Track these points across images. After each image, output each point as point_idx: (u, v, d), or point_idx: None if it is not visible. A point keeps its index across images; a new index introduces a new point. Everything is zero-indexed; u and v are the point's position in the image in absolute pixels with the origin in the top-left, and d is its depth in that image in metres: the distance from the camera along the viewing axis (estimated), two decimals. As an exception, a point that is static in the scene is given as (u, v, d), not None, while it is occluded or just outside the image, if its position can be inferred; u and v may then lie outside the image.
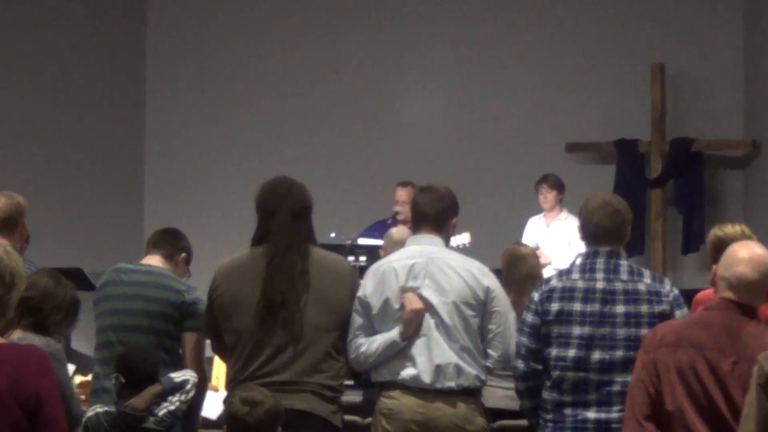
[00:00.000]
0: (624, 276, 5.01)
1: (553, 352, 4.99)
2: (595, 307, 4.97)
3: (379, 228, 9.92)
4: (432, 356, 5.08)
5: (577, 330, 4.97)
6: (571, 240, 10.02)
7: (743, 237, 5.57)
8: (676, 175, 11.20)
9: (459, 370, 5.09)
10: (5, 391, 3.63)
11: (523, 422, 6.40)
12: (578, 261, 5.13)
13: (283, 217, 5.07)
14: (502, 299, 5.21)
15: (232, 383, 5.07)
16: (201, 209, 12.34)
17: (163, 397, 5.15)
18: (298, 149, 12.32)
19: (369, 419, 6.50)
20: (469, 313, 5.13)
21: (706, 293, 5.65)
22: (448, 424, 5.08)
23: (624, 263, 5.05)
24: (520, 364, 5.10)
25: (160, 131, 12.76)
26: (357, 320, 5.17)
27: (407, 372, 5.11)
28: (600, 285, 5.00)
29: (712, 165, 11.27)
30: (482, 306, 5.14)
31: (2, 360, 3.68)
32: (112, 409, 5.13)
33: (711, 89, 11.42)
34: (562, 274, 5.13)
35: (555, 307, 5.01)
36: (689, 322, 4.52)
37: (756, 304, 4.43)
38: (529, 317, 5.09)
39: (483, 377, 5.17)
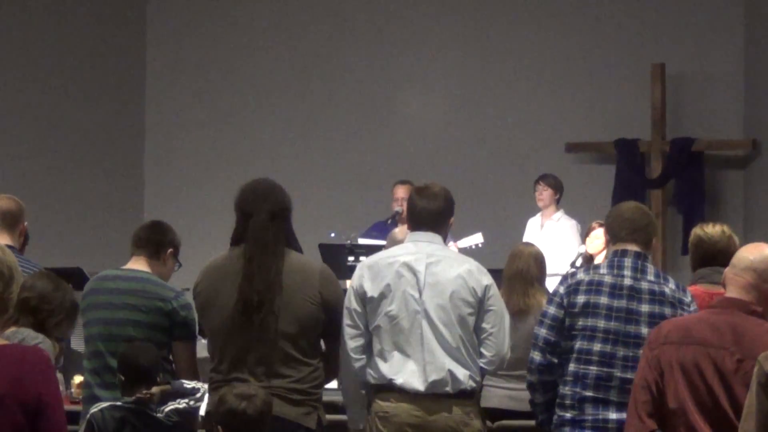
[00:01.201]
0: (651, 277, 5.03)
1: (577, 344, 4.99)
2: (622, 302, 4.99)
3: (379, 228, 9.93)
4: (425, 364, 5.06)
5: (602, 323, 4.97)
6: (567, 240, 10.01)
7: (723, 237, 5.62)
8: (676, 175, 11.19)
9: (453, 377, 5.07)
10: (7, 394, 3.63)
11: (523, 422, 6.41)
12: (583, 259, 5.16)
13: (261, 217, 5.07)
14: (498, 299, 5.21)
15: (209, 382, 5.13)
16: (201, 209, 12.33)
17: (172, 398, 5.18)
18: (299, 149, 12.32)
19: (369, 419, 6.50)
20: (466, 310, 5.12)
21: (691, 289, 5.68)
22: (444, 427, 5.07)
23: (651, 266, 5.08)
24: (537, 356, 5.08)
25: (160, 131, 12.76)
26: (350, 316, 5.16)
27: (402, 378, 5.09)
28: (627, 282, 5.01)
29: (712, 165, 11.27)
30: (479, 304, 5.13)
31: (4, 362, 3.68)
32: (117, 403, 5.15)
33: (711, 89, 11.42)
34: (589, 269, 5.15)
35: (581, 299, 5.02)
36: (694, 320, 4.53)
37: (762, 303, 4.44)
38: (552, 309, 5.08)
39: (478, 378, 5.15)
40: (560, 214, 10.26)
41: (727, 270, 4.51)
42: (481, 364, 5.15)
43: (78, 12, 12.10)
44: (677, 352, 4.41)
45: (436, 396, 5.07)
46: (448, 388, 5.07)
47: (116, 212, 12.13)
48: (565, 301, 5.05)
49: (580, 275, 5.10)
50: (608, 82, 11.61)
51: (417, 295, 5.13)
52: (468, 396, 5.14)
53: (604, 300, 4.99)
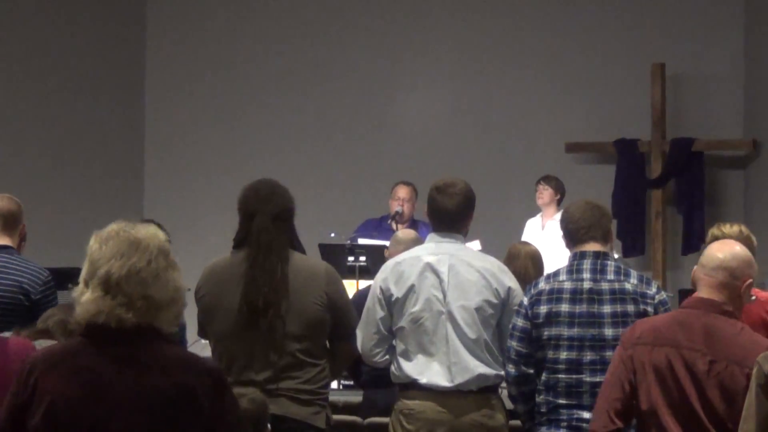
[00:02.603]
0: (610, 276, 4.99)
1: (546, 354, 4.99)
2: (583, 307, 4.97)
3: (372, 227, 9.91)
4: (450, 365, 5.09)
5: (566, 331, 4.96)
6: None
7: (741, 237, 5.59)
8: (676, 174, 11.19)
9: (479, 377, 5.11)
10: (-2, 387, 3.62)
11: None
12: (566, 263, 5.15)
13: (263, 219, 5.04)
14: (521, 299, 5.22)
15: None
16: (201, 210, 12.33)
17: None
18: (299, 150, 12.31)
19: (369, 419, 6.52)
20: (489, 311, 5.15)
21: None
22: (470, 422, 5.10)
23: (611, 263, 5.04)
24: (511, 369, 5.09)
25: (160, 131, 12.75)
26: (373, 320, 5.17)
27: (426, 378, 5.12)
28: (587, 285, 4.99)
29: (712, 165, 11.26)
30: (503, 305, 5.17)
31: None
32: None
33: (711, 89, 11.41)
34: (550, 276, 5.13)
35: (543, 309, 5.01)
36: (667, 321, 4.48)
37: (734, 303, 4.41)
38: (520, 321, 5.08)
39: (502, 373, 5.19)
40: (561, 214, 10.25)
41: (696, 269, 4.46)
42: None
43: (78, 10, 12.09)
44: (650, 353, 4.37)
45: (460, 393, 5.11)
46: (473, 387, 5.11)
47: (116, 212, 11.99)
48: (529, 312, 5.05)
49: (542, 285, 5.09)
50: (608, 82, 11.60)
51: (441, 296, 5.15)
52: (492, 390, 5.19)
53: (565, 308, 4.98)
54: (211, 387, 3.20)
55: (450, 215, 5.27)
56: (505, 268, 5.29)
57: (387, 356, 5.21)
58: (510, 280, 5.22)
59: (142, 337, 3.21)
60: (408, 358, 5.14)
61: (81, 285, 3.25)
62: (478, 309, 5.12)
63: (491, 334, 5.14)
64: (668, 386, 4.32)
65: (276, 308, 4.96)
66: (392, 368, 5.20)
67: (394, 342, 5.21)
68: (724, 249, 4.45)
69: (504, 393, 5.95)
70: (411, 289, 5.14)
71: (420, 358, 5.12)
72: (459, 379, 5.08)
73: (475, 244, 9.31)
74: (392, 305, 5.16)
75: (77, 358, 3.20)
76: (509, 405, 5.50)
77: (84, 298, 3.23)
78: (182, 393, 3.16)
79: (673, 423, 4.29)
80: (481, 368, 5.10)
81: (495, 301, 5.14)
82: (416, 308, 5.13)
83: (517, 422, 6.22)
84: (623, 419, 4.43)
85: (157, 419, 3.14)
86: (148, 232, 3.31)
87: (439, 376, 5.09)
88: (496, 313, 5.15)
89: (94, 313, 3.20)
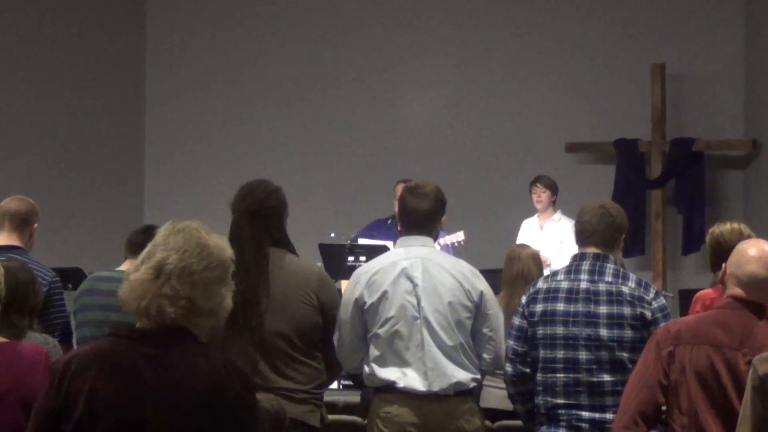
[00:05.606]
0: (608, 278, 4.99)
1: (540, 353, 5.00)
2: (579, 307, 4.97)
3: (378, 227, 9.91)
4: (426, 370, 5.07)
5: (561, 330, 4.97)
6: (564, 240, 10.01)
7: (740, 236, 5.58)
8: (676, 175, 11.19)
9: (456, 382, 5.09)
10: (7, 391, 3.64)
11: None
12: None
13: (237, 217, 5.03)
14: (493, 302, 5.23)
15: None
16: (201, 211, 12.29)
17: None
18: (299, 150, 12.32)
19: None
20: (464, 314, 5.12)
21: (706, 292, 5.66)
22: (446, 425, 5.09)
23: (610, 266, 5.03)
24: (508, 368, 5.10)
25: (160, 132, 12.76)
26: (347, 328, 5.16)
27: (403, 382, 5.10)
28: (584, 285, 4.99)
29: (712, 165, 11.27)
30: (476, 308, 5.14)
31: (4, 360, 3.69)
32: None
33: (711, 89, 11.42)
34: (549, 276, 5.15)
35: (539, 308, 5.02)
36: (704, 321, 4.47)
37: (765, 302, 4.41)
38: (517, 320, 5.10)
39: (478, 377, 5.19)
40: (560, 215, 10.26)
41: (729, 269, 4.45)
42: (482, 367, 5.20)
43: (78, 14, 12.11)
44: (690, 353, 4.35)
45: (437, 396, 5.09)
46: (451, 392, 5.10)
47: (116, 213, 12.14)
48: (526, 311, 5.06)
49: (540, 284, 5.10)
50: (608, 82, 11.61)
51: (415, 302, 5.13)
52: (468, 394, 5.17)
53: (560, 306, 4.98)
54: (239, 388, 3.23)
55: (421, 216, 5.25)
56: (477, 272, 5.26)
57: (360, 363, 5.21)
58: (482, 284, 5.19)
59: (173, 338, 3.23)
60: (383, 364, 5.11)
61: (138, 262, 3.29)
62: (452, 312, 5.10)
63: (466, 336, 5.12)
64: (710, 386, 4.31)
65: (256, 305, 4.93)
66: (365, 372, 5.18)
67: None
68: (754, 248, 4.44)
69: (504, 393, 6.01)
70: (384, 295, 5.11)
71: (395, 364, 5.09)
72: (436, 385, 5.06)
73: (459, 235, 9.32)
74: (365, 313, 5.13)
75: (110, 358, 3.21)
76: (494, 404, 5.51)
77: (134, 276, 3.25)
78: (214, 393, 3.19)
79: (713, 422, 4.29)
80: (459, 373, 5.08)
81: (468, 303, 5.12)
82: (390, 314, 5.10)
83: (511, 422, 6.27)
84: (649, 424, 4.41)
85: (191, 418, 3.17)
86: (218, 243, 3.43)
87: (416, 381, 5.07)
88: (471, 315, 5.13)
89: (140, 294, 3.22)
